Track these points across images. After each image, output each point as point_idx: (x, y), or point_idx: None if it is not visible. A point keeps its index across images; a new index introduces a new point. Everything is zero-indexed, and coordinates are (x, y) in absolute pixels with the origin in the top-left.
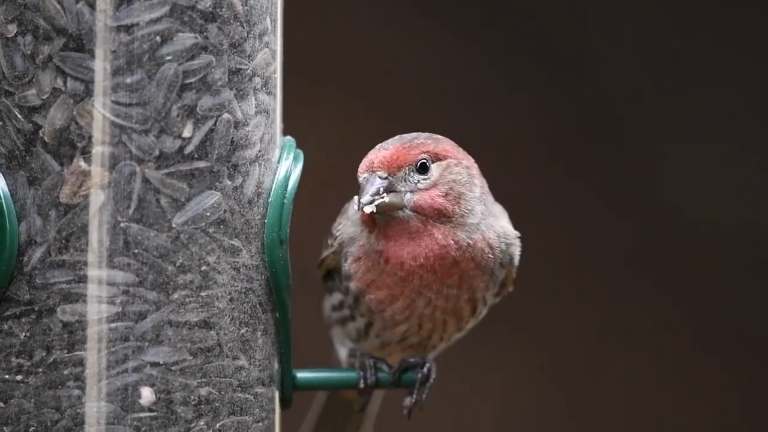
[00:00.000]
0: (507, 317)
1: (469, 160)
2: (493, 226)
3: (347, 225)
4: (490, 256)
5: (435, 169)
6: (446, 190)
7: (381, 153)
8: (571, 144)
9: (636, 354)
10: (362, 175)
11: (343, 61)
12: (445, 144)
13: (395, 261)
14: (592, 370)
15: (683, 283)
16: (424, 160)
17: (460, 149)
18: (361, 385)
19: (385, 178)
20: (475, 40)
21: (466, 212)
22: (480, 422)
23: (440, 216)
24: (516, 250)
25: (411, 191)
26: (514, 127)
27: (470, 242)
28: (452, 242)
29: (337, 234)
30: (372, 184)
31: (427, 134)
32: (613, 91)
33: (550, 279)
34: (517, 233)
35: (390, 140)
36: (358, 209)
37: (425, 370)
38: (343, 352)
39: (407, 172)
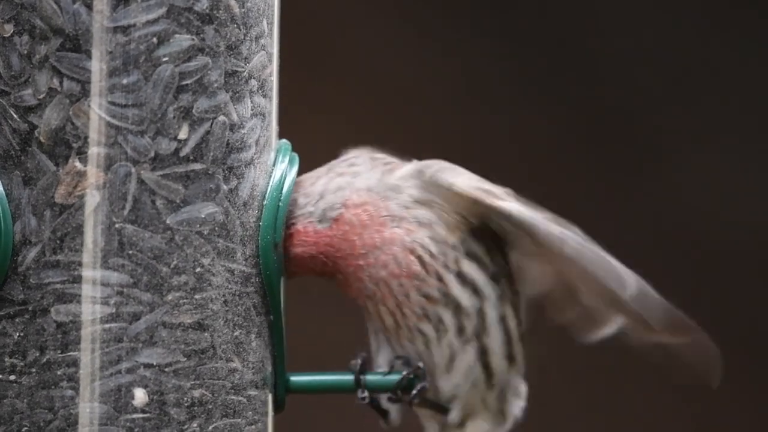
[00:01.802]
0: None
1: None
2: (351, 184)
3: None
4: (371, 209)
5: None
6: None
7: None
8: (576, 146)
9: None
10: None
11: (339, 64)
12: None
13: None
14: (592, 370)
15: (692, 286)
16: None
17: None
18: (354, 385)
19: None
20: (476, 41)
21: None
22: None
23: None
24: (431, 186)
25: None
26: (517, 129)
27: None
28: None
29: None
30: None
31: None
32: (619, 92)
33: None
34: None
35: None
36: None
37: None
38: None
39: None
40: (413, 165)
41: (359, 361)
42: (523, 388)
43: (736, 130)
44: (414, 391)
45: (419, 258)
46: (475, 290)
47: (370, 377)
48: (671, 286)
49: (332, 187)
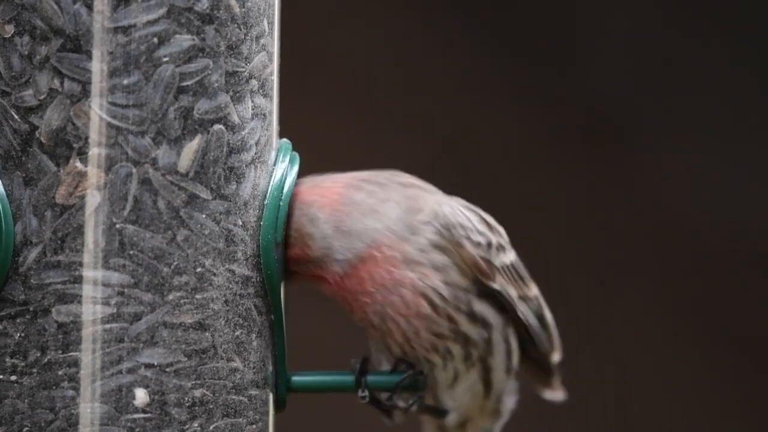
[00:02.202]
0: None
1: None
2: (376, 224)
3: None
4: (395, 250)
5: None
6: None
7: None
8: (566, 146)
9: (634, 354)
10: None
11: (340, 63)
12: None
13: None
14: (591, 371)
15: (680, 285)
16: None
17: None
18: (359, 393)
19: None
20: (472, 43)
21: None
22: None
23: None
24: (446, 234)
25: None
26: (510, 130)
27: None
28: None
29: None
30: None
31: None
32: (603, 92)
33: (548, 281)
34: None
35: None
36: None
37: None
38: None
39: None
40: (434, 206)
41: (359, 361)
42: (515, 384)
43: (719, 129)
44: (411, 401)
45: (430, 302)
46: (484, 323)
47: (371, 377)
48: (660, 283)
49: (360, 229)
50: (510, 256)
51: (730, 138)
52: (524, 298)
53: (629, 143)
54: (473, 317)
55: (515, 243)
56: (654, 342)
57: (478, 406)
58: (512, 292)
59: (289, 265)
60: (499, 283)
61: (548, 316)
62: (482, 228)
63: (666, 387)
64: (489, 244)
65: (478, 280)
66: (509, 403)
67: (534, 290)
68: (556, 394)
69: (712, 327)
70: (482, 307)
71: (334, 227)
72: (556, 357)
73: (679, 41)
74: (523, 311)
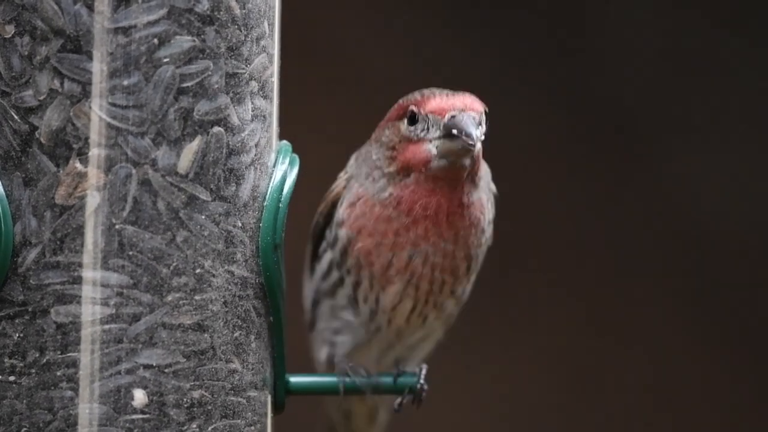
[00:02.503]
0: (507, 314)
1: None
2: (489, 184)
3: (358, 164)
4: (481, 214)
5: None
6: (481, 147)
7: (463, 98)
8: (574, 145)
9: (637, 352)
10: (451, 113)
11: (340, 64)
12: None
13: (407, 206)
14: (592, 368)
15: (686, 282)
16: (485, 113)
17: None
18: (341, 387)
19: (476, 119)
20: (476, 43)
21: (481, 174)
22: (479, 420)
23: (475, 172)
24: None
25: (480, 140)
26: (515, 128)
27: (475, 201)
28: (466, 201)
29: (349, 169)
30: (472, 123)
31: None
32: (619, 90)
33: (550, 277)
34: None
35: (437, 90)
36: (471, 142)
37: (420, 384)
38: (322, 354)
39: (483, 120)
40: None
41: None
42: None
43: (726, 128)
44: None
45: (468, 267)
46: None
47: (359, 380)
48: (665, 280)
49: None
50: None
51: (741, 137)
52: None
53: (640, 142)
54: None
55: (525, 240)
56: (663, 337)
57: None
58: None
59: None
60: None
61: None
62: None
63: (673, 382)
64: None
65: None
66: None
67: None
68: None
69: (726, 325)
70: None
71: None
72: None
73: (689, 41)
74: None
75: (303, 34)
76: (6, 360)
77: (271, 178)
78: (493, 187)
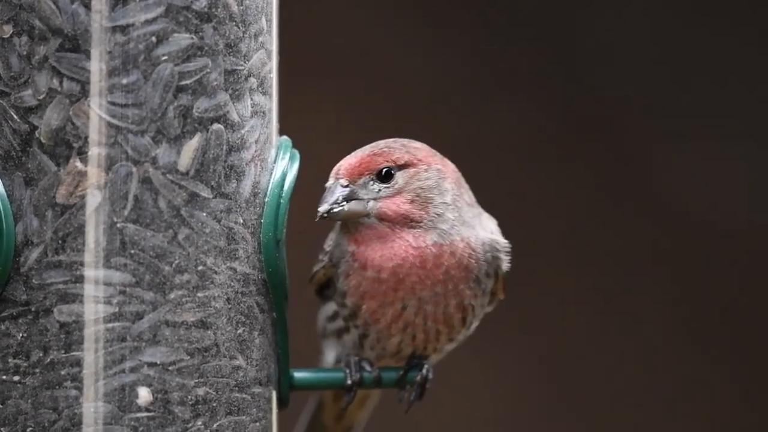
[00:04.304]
0: (506, 315)
1: (445, 166)
2: (473, 233)
3: (336, 239)
4: (473, 260)
5: (400, 176)
6: (412, 197)
7: (347, 161)
8: (572, 142)
9: (634, 351)
10: (328, 183)
11: (339, 60)
12: (416, 150)
13: (370, 264)
14: (591, 368)
15: (682, 281)
16: (387, 168)
17: (437, 155)
18: (348, 382)
19: (347, 186)
20: (472, 40)
21: (435, 217)
22: (478, 419)
23: (407, 221)
24: (504, 259)
25: (374, 199)
26: (513, 126)
27: (447, 243)
28: (425, 243)
29: (327, 249)
30: (332, 193)
31: (402, 141)
32: (617, 88)
33: (548, 278)
34: (506, 243)
35: (364, 147)
36: (317, 217)
37: (424, 371)
38: (330, 357)
39: (368, 180)
40: (498, 237)
41: (356, 360)
42: None
43: (724, 123)
44: (426, 385)
45: (463, 318)
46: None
47: (385, 374)
48: (661, 279)
49: (468, 220)
50: None
51: (735, 137)
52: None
53: (633, 137)
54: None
55: (523, 241)
56: (661, 339)
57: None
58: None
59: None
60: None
61: None
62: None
63: (668, 381)
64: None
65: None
66: None
67: None
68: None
69: (722, 324)
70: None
71: (454, 203)
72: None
73: (681, 36)
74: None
75: (301, 30)
76: (10, 360)
77: (271, 174)
78: (495, 237)
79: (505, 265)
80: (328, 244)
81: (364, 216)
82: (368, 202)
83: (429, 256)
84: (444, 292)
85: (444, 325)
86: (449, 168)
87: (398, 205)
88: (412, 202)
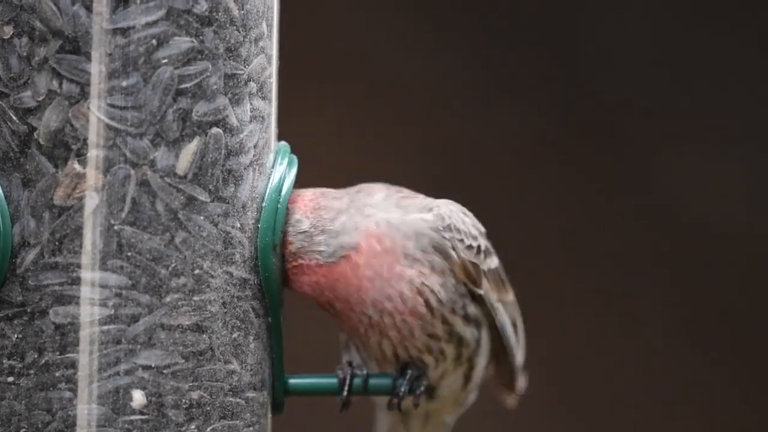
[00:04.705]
0: None
1: (293, 202)
2: (368, 222)
3: None
4: (387, 242)
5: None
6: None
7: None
8: (573, 145)
9: (634, 353)
10: None
11: (338, 66)
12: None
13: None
14: (591, 370)
15: (682, 283)
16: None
17: (304, 193)
18: (344, 393)
19: None
20: (474, 44)
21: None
22: (477, 420)
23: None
24: (445, 236)
25: None
26: (514, 130)
27: (336, 258)
28: (317, 259)
29: None
30: None
31: None
32: (617, 91)
33: (548, 280)
34: (436, 218)
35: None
36: None
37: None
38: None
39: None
40: (434, 209)
41: (349, 369)
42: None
43: (724, 127)
44: (419, 391)
45: (427, 303)
46: (477, 323)
47: (373, 379)
48: (662, 282)
49: (350, 227)
50: (495, 261)
51: (736, 136)
52: (503, 303)
53: (633, 146)
54: (467, 318)
55: (523, 244)
56: (661, 342)
57: (452, 398)
58: (493, 296)
59: (288, 275)
60: (484, 289)
61: (520, 321)
62: (475, 232)
63: (668, 383)
64: (479, 249)
65: (465, 284)
66: (473, 396)
67: (511, 296)
68: (513, 397)
69: (722, 326)
70: (475, 309)
71: (313, 225)
72: (519, 360)
73: (681, 39)
74: (500, 315)
75: (301, 34)
76: (5, 361)
77: (269, 178)
78: (414, 216)
79: (460, 247)
80: None
81: None
82: None
83: (336, 273)
84: (382, 284)
85: (410, 315)
86: (299, 202)
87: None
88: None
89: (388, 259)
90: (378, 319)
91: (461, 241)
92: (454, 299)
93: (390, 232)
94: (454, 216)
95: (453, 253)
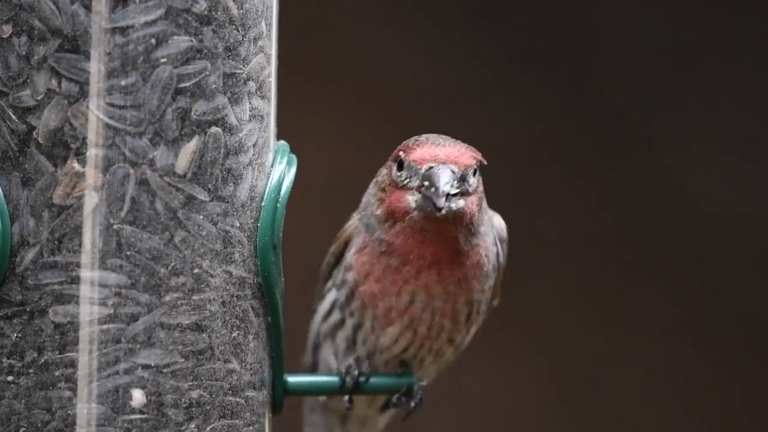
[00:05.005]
0: (508, 317)
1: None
2: (495, 228)
3: (364, 203)
4: (486, 258)
5: (477, 177)
6: (478, 200)
7: (451, 148)
8: (573, 144)
9: (634, 354)
10: (429, 164)
11: (337, 65)
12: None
13: (402, 255)
14: (591, 371)
15: (683, 283)
16: (476, 167)
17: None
18: (348, 388)
19: (457, 176)
20: (473, 42)
21: (481, 222)
22: (477, 421)
23: (468, 224)
24: (505, 250)
25: (462, 194)
26: (514, 129)
27: (482, 245)
28: (464, 249)
29: (363, 212)
30: (449, 175)
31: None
32: (616, 90)
33: (548, 280)
34: (506, 233)
35: (440, 138)
36: (439, 201)
37: (417, 399)
38: (325, 365)
39: (468, 173)
40: (499, 227)
41: (353, 366)
42: None
43: (722, 132)
44: (417, 398)
45: (468, 314)
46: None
47: (374, 379)
48: (665, 281)
49: (486, 230)
50: None
51: (737, 135)
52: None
53: (633, 141)
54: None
55: (527, 243)
56: (664, 341)
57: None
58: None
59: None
60: (496, 300)
61: None
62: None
63: (668, 383)
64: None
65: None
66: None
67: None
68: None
69: (725, 326)
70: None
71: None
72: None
73: (690, 38)
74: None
75: (301, 35)
76: (4, 360)
77: (269, 178)
78: (501, 230)
79: (504, 257)
80: (364, 201)
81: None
82: (458, 198)
83: (457, 264)
84: (456, 290)
85: (450, 320)
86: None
87: (471, 205)
88: (478, 204)
89: (475, 273)
90: (421, 314)
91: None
92: (485, 312)
93: (489, 248)
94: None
95: (503, 263)
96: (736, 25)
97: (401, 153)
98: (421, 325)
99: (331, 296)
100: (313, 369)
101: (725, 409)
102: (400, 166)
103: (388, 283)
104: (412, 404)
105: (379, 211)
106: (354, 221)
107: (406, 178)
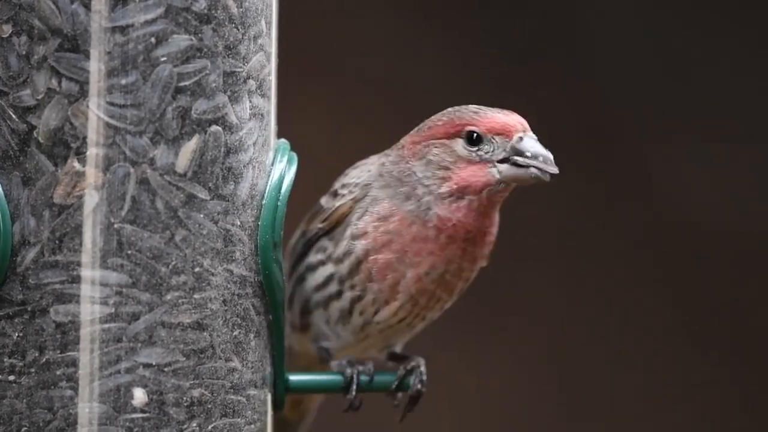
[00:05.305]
0: (508, 317)
1: None
2: None
3: (386, 181)
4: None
5: None
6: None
7: (513, 116)
8: (573, 144)
9: (634, 354)
10: (518, 134)
11: (338, 63)
12: None
13: (450, 230)
14: (591, 370)
15: (682, 283)
16: None
17: None
18: (352, 394)
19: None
20: (472, 43)
21: None
22: (477, 420)
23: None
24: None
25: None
26: None
27: (494, 227)
28: (492, 228)
29: (355, 181)
30: (541, 149)
31: None
32: (616, 91)
33: (547, 280)
34: None
35: (475, 108)
36: (553, 169)
37: (419, 385)
38: (312, 348)
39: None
40: None
41: (354, 366)
42: None
43: (719, 132)
44: (419, 386)
45: (461, 288)
46: None
47: (378, 378)
48: (663, 280)
49: None
50: None
51: (735, 135)
52: None
53: (633, 142)
54: None
55: (516, 243)
56: (662, 339)
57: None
58: None
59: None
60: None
61: None
62: None
63: (668, 383)
64: None
65: None
66: None
67: None
68: None
69: (722, 324)
70: None
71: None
72: None
73: (677, 39)
74: None
75: (301, 33)
76: (6, 359)
77: (269, 176)
78: None
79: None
80: (353, 176)
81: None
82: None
83: (489, 237)
84: (467, 266)
85: (448, 293)
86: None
87: None
88: None
89: (487, 251)
90: (432, 278)
91: None
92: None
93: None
94: None
95: None
96: (731, 28)
97: (472, 127)
98: (423, 296)
99: (326, 270)
100: (304, 330)
101: (725, 409)
102: (472, 140)
103: (412, 252)
104: (418, 387)
105: (443, 189)
106: (347, 200)
107: (486, 152)
